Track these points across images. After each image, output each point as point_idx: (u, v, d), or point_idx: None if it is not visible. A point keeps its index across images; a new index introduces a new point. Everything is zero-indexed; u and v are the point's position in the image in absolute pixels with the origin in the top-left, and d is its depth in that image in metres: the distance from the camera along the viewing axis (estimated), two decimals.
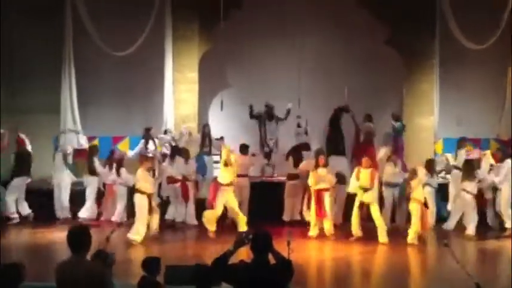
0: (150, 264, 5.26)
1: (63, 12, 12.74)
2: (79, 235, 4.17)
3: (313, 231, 10.31)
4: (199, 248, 9.71)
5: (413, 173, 10.04)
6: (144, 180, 9.85)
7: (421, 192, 9.97)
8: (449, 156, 11.65)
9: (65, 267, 4.13)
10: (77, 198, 11.74)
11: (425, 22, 12.70)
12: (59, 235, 9.82)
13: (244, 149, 11.55)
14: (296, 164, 11.51)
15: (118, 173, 11.31)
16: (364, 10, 13.02)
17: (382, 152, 11.71)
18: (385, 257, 9.52)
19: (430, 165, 10.94)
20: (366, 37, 13.20)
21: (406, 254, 9.51)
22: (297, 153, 12.09)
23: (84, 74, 13.17)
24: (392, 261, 9.10)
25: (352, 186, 10.21)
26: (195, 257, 8.62)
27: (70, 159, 12.06)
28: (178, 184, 11.29)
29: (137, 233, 9.65)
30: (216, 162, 12.23)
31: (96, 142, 13.04)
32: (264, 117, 12.80)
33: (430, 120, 13.06)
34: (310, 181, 10.37)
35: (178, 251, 9.59)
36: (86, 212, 11.44)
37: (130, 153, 12.28)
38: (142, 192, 9.83)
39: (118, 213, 11.24)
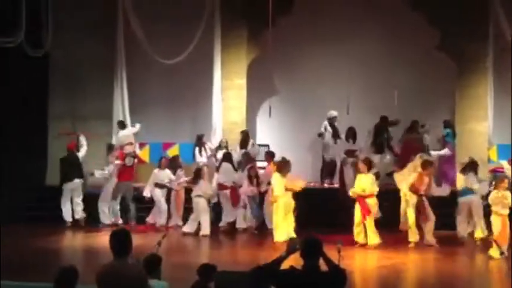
0: (206, 271, 5.25)
1: (115, 22, 13.10)
2: (122, 238, 4.16)
3: (358, 238, 10.18)
4: (248, 254, 9.77)
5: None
6: (279, 184, 10.34)
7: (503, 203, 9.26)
8: (504, 163, 11.20)
9: (106, 270, 4.12)
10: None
11: (477, 25, 12.42)
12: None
13: (270, 156, 11.44)
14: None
15: (193, 183, 11.18)
16: (415, 14, 12.82)
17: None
18: (440, 265, 9.25)
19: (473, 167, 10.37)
20: (416, 41, 12.99)
21: (464, 264, 9.34)
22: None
23: (135, 82, 13.48)
24: (448, 271, 8.89)
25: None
26: (243, 263, 8.63)
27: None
28: (228, 190, 11.40)
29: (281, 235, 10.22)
30: (261, 168, 12.18)
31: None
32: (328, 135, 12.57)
33: (484, 125, 12.73)
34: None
35: (229, 256, 9.70)
36: (155, 218, 11.63)
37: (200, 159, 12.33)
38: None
39: (205, 227, 10.87)
